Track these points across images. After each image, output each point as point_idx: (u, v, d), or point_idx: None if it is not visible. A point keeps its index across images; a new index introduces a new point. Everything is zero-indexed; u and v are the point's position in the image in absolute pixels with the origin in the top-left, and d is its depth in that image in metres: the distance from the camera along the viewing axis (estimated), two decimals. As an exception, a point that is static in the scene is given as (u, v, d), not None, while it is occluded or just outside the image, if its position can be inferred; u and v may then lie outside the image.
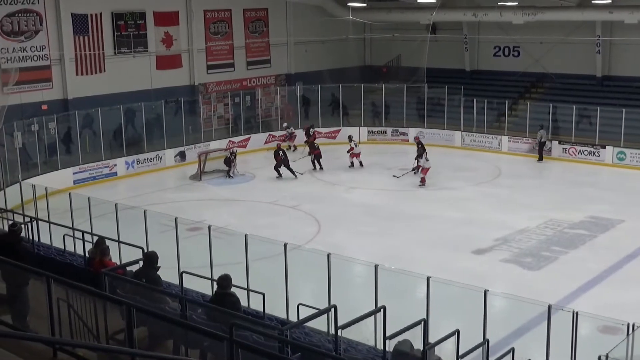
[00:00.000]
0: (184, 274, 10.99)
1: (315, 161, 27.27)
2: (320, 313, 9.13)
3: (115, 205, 15.13)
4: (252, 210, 22.29)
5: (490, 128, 30.98)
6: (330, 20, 34.85)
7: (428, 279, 10.92)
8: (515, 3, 30.34)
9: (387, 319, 9.00)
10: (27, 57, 25.90)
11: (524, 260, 17.74)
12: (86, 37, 27.57)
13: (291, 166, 26.04)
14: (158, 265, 9.70)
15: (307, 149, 28.48)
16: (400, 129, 32.45)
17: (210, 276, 12.09)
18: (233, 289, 9.21)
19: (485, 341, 9.44)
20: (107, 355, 7.46)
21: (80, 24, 27.36)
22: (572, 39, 31.81)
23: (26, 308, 8.39)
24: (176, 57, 30.73)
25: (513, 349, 9.57)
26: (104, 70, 28.16)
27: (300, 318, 10.04)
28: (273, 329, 8.76)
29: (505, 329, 12.83)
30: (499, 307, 13.41)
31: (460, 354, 8.79)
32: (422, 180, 24.76)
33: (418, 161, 25.35)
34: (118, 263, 11.45)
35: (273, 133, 31.53)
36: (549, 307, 10.30)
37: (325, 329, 9.86)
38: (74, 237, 13.78)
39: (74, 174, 25.09)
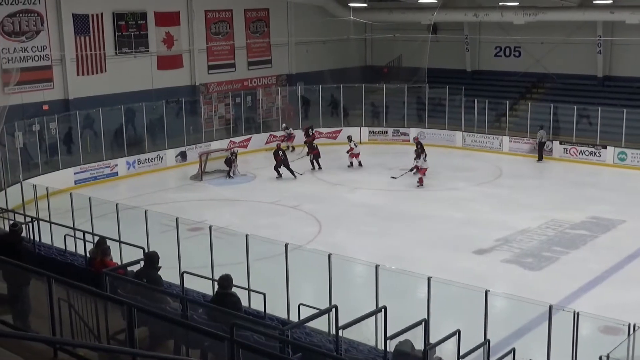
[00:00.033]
0: (184, 274, 10.99)
1: (314, 161, 27.34)
2: (321, 313, 9.13)
3: (116, 205, 15.14)
4: (253, 210, 22.29)
5: (491, 128, 30.98)
6: (332, 20, 34.85)
7: (429, 279, 10.92)
8: (516, 3, 30.32)
9: (388, 319, 9.01)
10: (28, 57, 25.91)
11: (525, 260, 17.73)
12: (87, 37, 27.58)
13: (290, 166, 26.07)
14: (159, 265, 9.70)
15: (305, 149, 28.51)
16: (401, 130, 32.44)
17: (211, 276, 12.10)
18: (234, 289, 9.20)
19: (486, 341, 9.43)
20: (108, 355, 7.46)
21: (81, 24, 27.37)
22: (573, 39, 31.79)
23: (27, 308, 8.38)
24: (177, 58, 30.74)
25: (514, 349, 9.56)
26: (105, 71, 28.16)
27: (301, 318, 10.05)
28: (274, 329, 8.76)
29: (506, 329, 12.83)
30: (499, 308, 13.41)
31: (461, 354, 8.78)
32: (420, 181, 24.74)
33: (416, 162, 25.32)
34: (119, 263, 11.45)
35: (274, 133, 31.53)
36: (550, 308, 10.31)
37: (326, 329, 9.87)
38: (75, 237, 13.80)
39: (75, 174, 25.10)
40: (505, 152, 29.97)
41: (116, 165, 26.46)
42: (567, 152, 28.56)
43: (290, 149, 29.97)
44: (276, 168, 26.03)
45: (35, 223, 13.77)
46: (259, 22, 33.97)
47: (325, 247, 14.26)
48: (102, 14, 27.90)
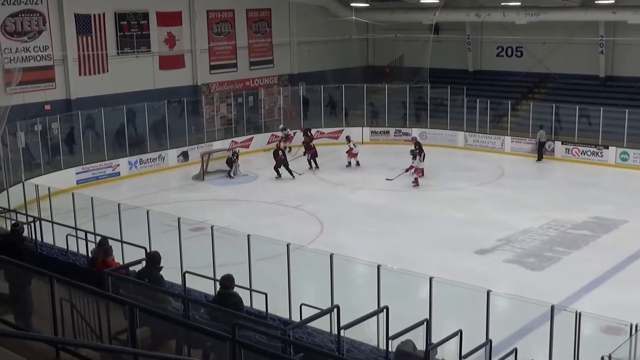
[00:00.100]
0: (186, 274, 11.00)
1: (312, 160, 27.40)
2: (322, 313, 9.13)
3: (118, 205, 15.14)
4: (254, 210, 22.29)
5: (493, 128, 30.96)
6: (333, 20, 34.85)
7: (431, 279, 10.90)
8: (518, 3, 30.30)
9: (390, 319, 9.01)
10: (30, 57, 25.93)
11: (526, 260, 17.72)
12: (89, 37, 27.60)
13: (290, 167, 26.08)
14: (161, 265, 9.70)
15: (302, 149, 28.57)
16: (403, 130, 32.44)
17: (212, 276, 12.11)
18: (236, 289, 9.21)
19: (488, 341, 9.42)
20: (110, 355, 7.46)
21: (83, 24, 27.38)
22: (575, 39, 31.76)
23: (29, 308, 8.39)
24: (179, 58, 30.76)
25: (516, 350, 9.56)
26: (107, 71, 28.18)
27: (303, 318, 10.04)
28: (276, 329, 8.77)
29: (508, 329, 12.83)
30: (501, 308, 13.42)
31: (463, 354, 8.79)
32: (415, 181, 24.70)
33: (413, 162, 25.15)
34: (121, 263, 11.48)
35: (276, 133, 31.54)
36: (552, 308, 10.29)
37: (328, 329, 9.88)
38: (77, 237, 13.79)
39: (76, 174, 25.12)
40: (507, 152, 29.95)
41: (118, 165, 26.48)
42: (569, 152, 28.54)
43: (288, 149, 29.97)
44: (276, 168, 26.04)
45: (37, 223, 13.76)
46: (261, 22, 33.98)
47: (326, 247, 14.27)
48: (104, 14, 27.91)
